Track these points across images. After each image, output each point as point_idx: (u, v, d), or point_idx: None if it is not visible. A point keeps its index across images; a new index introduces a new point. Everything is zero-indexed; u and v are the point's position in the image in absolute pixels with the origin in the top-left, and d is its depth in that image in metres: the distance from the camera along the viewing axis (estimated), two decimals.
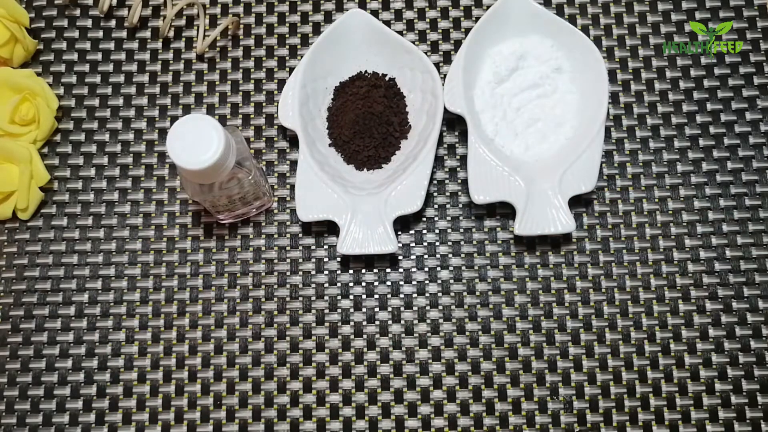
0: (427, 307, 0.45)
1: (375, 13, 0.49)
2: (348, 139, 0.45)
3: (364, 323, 0.44)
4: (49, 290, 0.45)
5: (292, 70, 0.47)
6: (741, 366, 0.43)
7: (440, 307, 0.44)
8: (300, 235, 0.46)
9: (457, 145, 0.47)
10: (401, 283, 0.45)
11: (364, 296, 0.45)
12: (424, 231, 0.46)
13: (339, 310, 0.45)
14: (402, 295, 0.45)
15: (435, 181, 0.46)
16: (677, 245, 0.45)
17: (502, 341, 0.44)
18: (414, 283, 0.45)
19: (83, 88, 0.48)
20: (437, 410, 0.43)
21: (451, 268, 0.45)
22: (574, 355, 0.44)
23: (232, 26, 0.48)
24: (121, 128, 0.47)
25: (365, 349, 0.44)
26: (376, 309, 0.44)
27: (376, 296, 0.45)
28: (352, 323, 0.44)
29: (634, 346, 0.44)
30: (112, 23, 0.49)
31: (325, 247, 0.45)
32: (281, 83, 0.48)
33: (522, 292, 0.45)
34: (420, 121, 0.46)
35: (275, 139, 0.47)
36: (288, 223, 0.46)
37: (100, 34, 0.49)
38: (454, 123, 0.47)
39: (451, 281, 0.45)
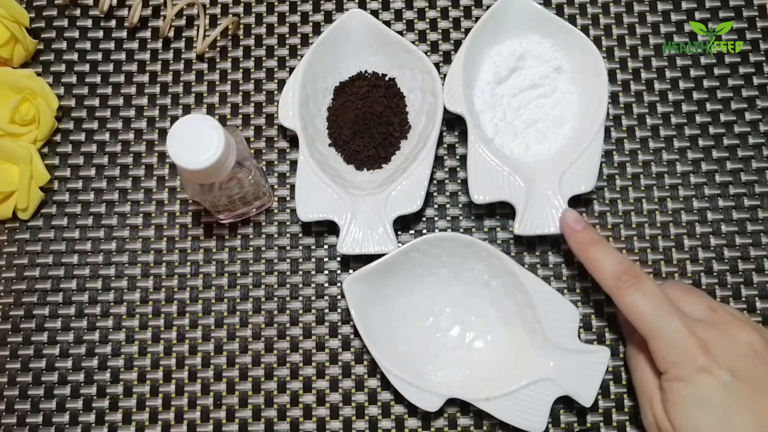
0: None
1: (375, 13, 0.49)
2: (348, 139, 0.45)
3: None
4: (49, 290, 0.45)
5: (292, 70, 0.47)
6: None
7: None
8: (300, 235, 0.46)
9: (457, 145, 0.47)
10: None
11: None
12: (424, 231, 0.46)
13: (339, 310, 0.45)
14: None
15: (435, 181, 0.46)
16: (676, 245, 0.45)
17: None
18: None
19: (83, 88, 0.48)
20: (437, 410, 0.43)
21: None
22: None
23: (232, 26, 0.48)
24: (121, 128, 0.47)
25: (365, 349, 0.44)
26: None
27: None
28: (351, 323, 0.44)
29: None
30: (112, 23, 0.49)
31: (325, 247, 0.46)
32: (281, 83, 0.48)
33: None
34: (420, 121, 0.46)
35: (275, 139, 0.47)
36: (288, 223, 0.46)
37: (100, 34, 0.49)
38: (454, 123, 0.47)
39: None
